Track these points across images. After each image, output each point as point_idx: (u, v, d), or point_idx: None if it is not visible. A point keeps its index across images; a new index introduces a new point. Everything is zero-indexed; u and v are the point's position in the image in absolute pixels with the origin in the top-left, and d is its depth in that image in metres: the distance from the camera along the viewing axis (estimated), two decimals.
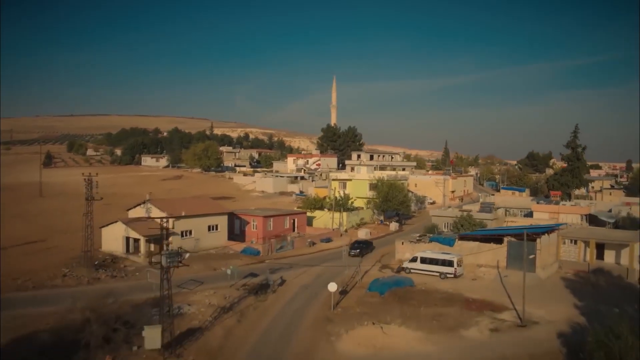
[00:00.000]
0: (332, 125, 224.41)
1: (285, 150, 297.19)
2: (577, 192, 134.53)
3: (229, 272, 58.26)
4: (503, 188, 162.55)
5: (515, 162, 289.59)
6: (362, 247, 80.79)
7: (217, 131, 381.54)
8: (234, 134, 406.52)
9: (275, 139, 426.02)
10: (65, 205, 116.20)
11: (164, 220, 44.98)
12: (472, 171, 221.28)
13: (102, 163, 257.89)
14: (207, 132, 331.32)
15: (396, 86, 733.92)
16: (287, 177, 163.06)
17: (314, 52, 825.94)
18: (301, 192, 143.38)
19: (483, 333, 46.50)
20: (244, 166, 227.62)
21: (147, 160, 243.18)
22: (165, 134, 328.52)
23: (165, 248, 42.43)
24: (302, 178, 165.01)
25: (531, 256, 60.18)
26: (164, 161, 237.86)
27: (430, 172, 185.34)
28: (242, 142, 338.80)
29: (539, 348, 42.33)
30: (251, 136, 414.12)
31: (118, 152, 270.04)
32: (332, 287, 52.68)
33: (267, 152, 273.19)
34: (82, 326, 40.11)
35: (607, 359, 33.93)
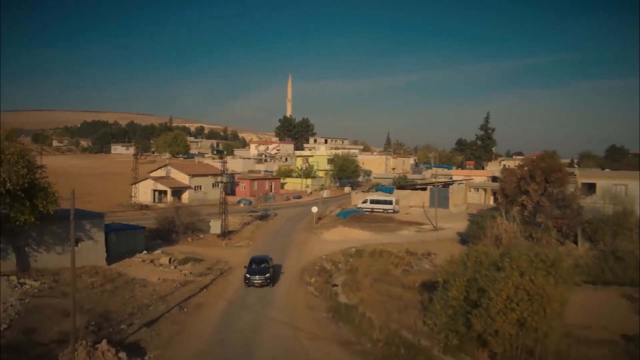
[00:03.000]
0: (288, 116, 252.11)
1: (240, 142, 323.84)
2: (490, 163, 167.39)
3: (242, 204, 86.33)
4: (434, 166, 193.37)
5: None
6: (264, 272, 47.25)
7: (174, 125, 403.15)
8: (191, 128, 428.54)
9: (230, 132, 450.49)
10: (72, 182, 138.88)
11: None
12: (411, 159, 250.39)
13: (73, 152, 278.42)
14: (168, 125, 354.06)
15: (347, 84, 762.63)
16: (254, 159, 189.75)
17: (268, 52, 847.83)
18: (267, 170, 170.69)
19: (411, 232, 75.52)
20: (207, 154, 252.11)
21: (118, 149, 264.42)
22: (124, 126, 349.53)
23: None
24: (266, 160, 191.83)
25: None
26: (133, 149, 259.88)
27: (375, 153, 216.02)
28: (200, 135, 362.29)
29: (444, 236, 71.01)
30: (206, 130, 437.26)
31: (84, 143, 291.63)
32: (314, 209, 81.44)
33: (226, 142, 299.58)
34: (172, 223, 67.54)
35: (476, 228, 62.43)
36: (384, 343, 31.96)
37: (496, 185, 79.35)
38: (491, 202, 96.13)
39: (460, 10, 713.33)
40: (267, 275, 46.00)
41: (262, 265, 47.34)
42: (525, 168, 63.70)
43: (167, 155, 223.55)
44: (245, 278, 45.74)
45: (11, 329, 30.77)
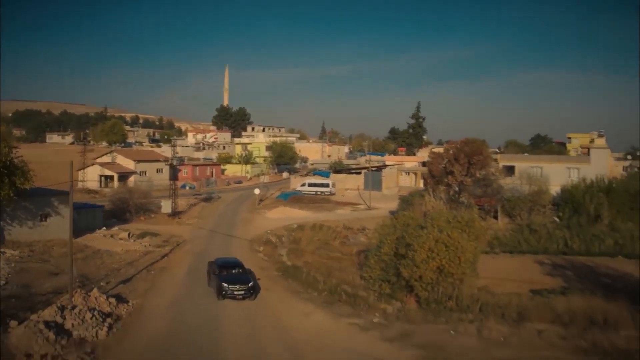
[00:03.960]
0: (225, 106, 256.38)
1: (175, 131, 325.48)
2: (420, 150, 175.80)
3: (187, 188, 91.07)
4: (368, 153, 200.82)
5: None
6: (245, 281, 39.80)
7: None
8: (126, 117, 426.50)
9: (165, 121, 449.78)
10: None
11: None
12: (346, 147, 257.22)
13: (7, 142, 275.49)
14: (103, 114, 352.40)
15: (283, 74, 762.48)
16: (192, 147, 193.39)
17: (202, 42, 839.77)
18: (206, 157, 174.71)
19: (347, 211, 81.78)
20: (145, 142, 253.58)
21: (53, 138, 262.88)
22: (58, 115, 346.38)
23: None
24: (204, 149, 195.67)
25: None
26: (69, 138, 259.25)
27: (311, 141, 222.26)
28: (136, 124, 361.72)
29: (377, 215, 77.13)
30: (140, 119, 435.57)
31: (17, 132, 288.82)
32: (257, 191, 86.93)
33: (163, 131, 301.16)
34: (126, 203, 72.02)
35: (406, 206, 68.83)
36: (327, 292, 37.93)
37: (426, 169, 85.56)
38: (421, 185, 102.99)
39: (395, 1, 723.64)
40: (251, 284, 37.11)
41: (237, 271, 38.53)
42: (451, 151, 70.50)
43: (105, 144, 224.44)
44: (221, 288, 36.21)
45: (10, 284, 35.62)
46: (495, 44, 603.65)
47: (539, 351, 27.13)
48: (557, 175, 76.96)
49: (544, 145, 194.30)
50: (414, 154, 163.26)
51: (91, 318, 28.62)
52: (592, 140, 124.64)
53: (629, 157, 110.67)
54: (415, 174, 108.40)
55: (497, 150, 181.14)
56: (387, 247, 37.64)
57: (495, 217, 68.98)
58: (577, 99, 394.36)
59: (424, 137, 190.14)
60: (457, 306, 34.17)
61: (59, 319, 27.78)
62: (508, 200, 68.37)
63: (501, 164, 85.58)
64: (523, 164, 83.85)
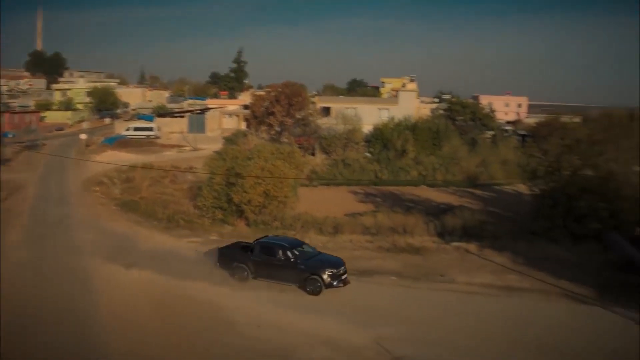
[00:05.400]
0: (39, 50, 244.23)
1: None
2: (242, 93, 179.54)
3: (10, 135, 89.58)
4: (189, 98, 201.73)
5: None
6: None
7: None
8: None
9: None
10: None
11: None
12: (167, 92, 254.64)
13: None
14: None
15: (100, 15, 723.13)
16: (5, 94, 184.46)
17: None
18: (22, 105, 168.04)
19: (173, 153, 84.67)
20: None
21: None
22: None
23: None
24: (18, 96, 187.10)
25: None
26: None
27: (131, 86, 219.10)
28: None
29: (203, 155, 78.71)
30: None
31: None
32: (83, 136, 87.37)
33: None
34: None
35: (231, 145, 72.58)
36: (167, 220, 41.63)
37: (248, 112, 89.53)
38: (243, 126, 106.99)
39: None
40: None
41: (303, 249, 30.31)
42: (272, 93, 75.12)
43: None
44: (321, 280, 27.59)
45: None
46: None
47: (351, 251, 33.25)
48: (369, 116, 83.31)
49: (360, 88, 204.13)
50: (236, 98, 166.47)
51: None
52: (404, 85, 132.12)
53: (436, 99, 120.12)
54: (238, 116, 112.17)
55: (316, 93, 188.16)
56: (218, 177, 41.64)
57: (313, 154, 74.34)
58: (392, 46, 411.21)
59: (246, 81, 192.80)
60: (282, 225, 39.18)
61: None
62: (325, 138, 73.58)
63: (319, 105, 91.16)
64: (339, 105, 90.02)
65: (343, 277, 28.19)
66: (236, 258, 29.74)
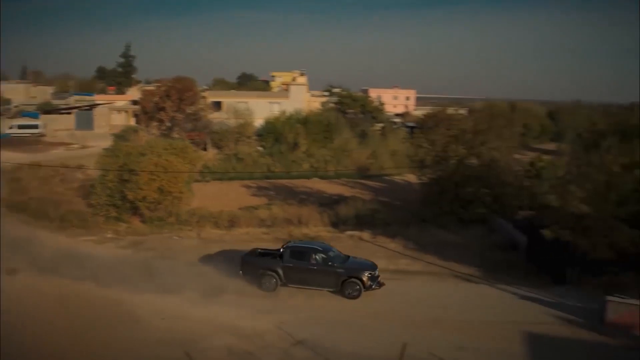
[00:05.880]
0: None
1: None
2: (131, 89, 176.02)
3: None
4: (75, 94, 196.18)
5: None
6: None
7: None
8: None
9: None
10: None
11: None
12: (51, 88, 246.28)
13: None
14: None
15: None
16: None
17: None
18: None
19: (60, 151, 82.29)
20: None
21: None
22: None
23: None
24: None
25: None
26: None
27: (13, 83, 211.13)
28: None
29: (92, 152, 77.06)
30: None
31: None
32: None
33: None
34: None
35: (121, 141, 71.53)
36: (59, 220, 40.87)
37: (137, 107, 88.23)
38: (133, 123, 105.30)
39: None
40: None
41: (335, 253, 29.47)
42: (163, 88, 74.42)
43: None
44: (361, 283, 27.29)
45: None
46: None
47: (248, 244, 34.15)
48: (260, 109, 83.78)
49: (250, 82, 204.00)
50: (124, 93, 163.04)
51: None
52: (294, 79, 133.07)
53: (326, 93, 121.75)
54: (127, 112, 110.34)
55: (206, 87, 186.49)
56: (111, 174, 41.25)
57: (205, 149, 74.22)
58: (282, 39, 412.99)
59: (134, 76, 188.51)
60: (177, 221, 39.44)
61: None
62: (216, 133, 73.75)
63: (210, 100, 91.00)
64: (230, 100, 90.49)
65: (378, 278, 27.85)
66: (264, 265, 28.23)
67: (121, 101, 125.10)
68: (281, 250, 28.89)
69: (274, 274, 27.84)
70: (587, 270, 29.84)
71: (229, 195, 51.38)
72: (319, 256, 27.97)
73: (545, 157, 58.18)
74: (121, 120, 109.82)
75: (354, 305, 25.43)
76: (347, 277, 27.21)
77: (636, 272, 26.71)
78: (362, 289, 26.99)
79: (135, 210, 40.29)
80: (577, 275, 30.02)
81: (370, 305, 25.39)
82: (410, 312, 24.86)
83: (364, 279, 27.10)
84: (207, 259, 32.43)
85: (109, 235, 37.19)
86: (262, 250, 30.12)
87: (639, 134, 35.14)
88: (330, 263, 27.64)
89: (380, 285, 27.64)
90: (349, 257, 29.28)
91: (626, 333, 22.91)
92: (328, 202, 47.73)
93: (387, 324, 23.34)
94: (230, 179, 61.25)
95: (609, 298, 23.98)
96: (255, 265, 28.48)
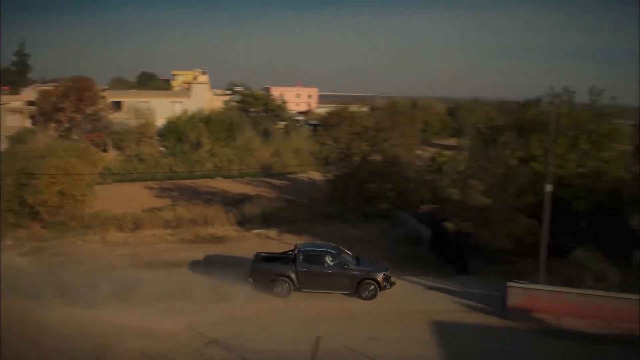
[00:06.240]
0: None
1: None
2: (26, 89, 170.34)
3: None
4: None
5: None
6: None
7: None
8: None
9: None
10: None
11: None
12: None
13: None
14: None
15: None
16: None
17: None
18: None
19: None
20: None
21: None
22: None
23: None
24: None
25: None
26: None
27: None
28: None
29: None
30: None
31: None
32: None
33: None
34: None
35: (18, 144, 69.38)
36: None
37: (33, 108, 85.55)
38: (29, 124, 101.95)
39: None
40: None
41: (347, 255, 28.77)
42: (60, 88, 72.56)
43: None
44: (377, 284, 27.07)
45: None
46: None
47: (154, 245, 33.84)
48: (162, 109, 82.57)
49: (150, 81, 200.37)
50: (19, 93, 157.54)
51: None
52: (195, 77, 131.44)
53: (228, 92, 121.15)
54: (22, 113, 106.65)
55: (106, 87, 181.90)
56: (9, 179, 40.10)
57: (105, 150, 72.83)
58: (182, 38, 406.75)
59: (29, 75, 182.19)
60: (80, 224, 38.78)
61: None
62: (117, 133, 72.56)
63: (110, 99, 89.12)
64: (130, 99, 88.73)
65: (391, 278, 27.49)
66: (276, 271, 27.17)
67: (16, 102, 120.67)
68: (293, 253, 28.16)
69: (286, 279, 27.08)
70: (489, 260, 31.54)
71: (132, 197, 50.63)
72: (333, 259, 27.46)
73: (446, 152, 60.34)
74: (16, 122, 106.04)
75: (267, 304, 25.61)
76: (362, 279, 26.94)
77: (534, 259, 28.18)
78: (378, 290, 26.91)
79: (35, 215, 39.22)
80: (479, 264, 31.45)
81: (283, 303, 25.72)
82: (323, 307, 25.35)
83: (379, 279, 26.96)
84: (114, 262, 32.00)
85: (8, 243, 35.87)
86: (267, 255, 29.29)
87: (534, 129, 37.15)
88: (346, 266, 27.21)
89: (392, 284, 27.47)
90: (358, 258, 28.84)
91: (527, 316, 24.30)
92: (233, 202, 48.09)
93: (301, 320, 23.72)
94: (133, 180, 60.54)
95: (510, 284, 25.24)
96: (266, 271, 27.45)
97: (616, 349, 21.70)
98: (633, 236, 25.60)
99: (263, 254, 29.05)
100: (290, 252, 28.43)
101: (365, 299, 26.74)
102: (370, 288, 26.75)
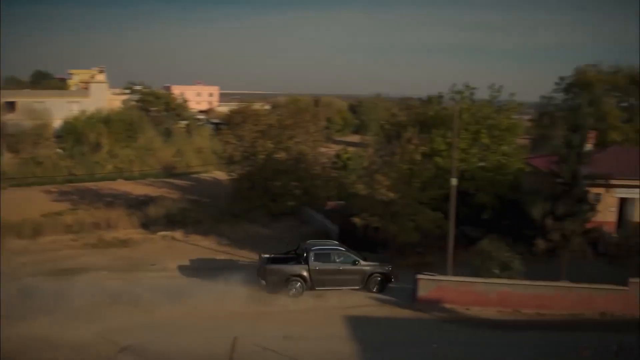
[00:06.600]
0: None
1: None
2: None
3: None
4: None
5: None
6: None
7: None
8: None
9: None
10: None
11: None
12: None
13: None
14: None
15: None
16: None
17: None
18: None
19: None
20: None
21: None
22: None
23: None
24: None
25: None
26: None
27: None
28: None
29: None
30: None
31: None
32: None
33: None
34: None
35: None
36: None
37: None
38: None
39: None
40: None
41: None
42: None
43: None
44: (386, 276, 28.41)
45: None
46: None
47: (56, 252, 33.06)
48: (59, 109, 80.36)
49: (45, 81, 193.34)
50: None
51: None
52: (93, 76, 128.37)
53: (127, 91, 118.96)
54: None
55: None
56: None
57: None
58: (80, 35, 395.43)
59: None
60: None
61: None
62: (11, 135, 70.00)
63: (2, 100, 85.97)
64: (25, 100, 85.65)
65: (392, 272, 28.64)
66: (288, 271, 27.64)
67: None
68: (298, 253, 29.05)
69: (298, 278, 27.56)
70: (397, 253, 32.68)
71: (29, 202, 48.83)
72: (343, 256, 28.28)
73: (350, 149, 61.24)
74: None
75: (182, 307, 25.33)
76: (371, 274, 28.05)
77: (441, 250, 29.17)
78: (386, 283, 28.08)
79: None
80: (388, 258, 32.01)
81: (199, 306, 25.50)
82: (239, 308, 25.42)
83: (388, 273, 28.31)
84: (14, 271, 30.79)
85: None
86: (274, 256, 29.63)
87: (436, 124, 38.46)
88: (356, 262, 28.08)
89: (395, 278, 28.59)
90: (361, 254, 29.58)
91: (437, 307, 25.37)
92: (136, 204, 47.53)
93: (218, 322, 23.70)
94: (30, 184, 58.19)
95: (419, 276, 26.30)
96: (277, 272, 27.78)
97: (521, 333, 23.03)
98: (534, 226, 26.85)
99: (269, 256, 29.49)
100: (293, 253, 29.50)
101: (376, 292, 27.90)
102: (378, 281, 28.05)
